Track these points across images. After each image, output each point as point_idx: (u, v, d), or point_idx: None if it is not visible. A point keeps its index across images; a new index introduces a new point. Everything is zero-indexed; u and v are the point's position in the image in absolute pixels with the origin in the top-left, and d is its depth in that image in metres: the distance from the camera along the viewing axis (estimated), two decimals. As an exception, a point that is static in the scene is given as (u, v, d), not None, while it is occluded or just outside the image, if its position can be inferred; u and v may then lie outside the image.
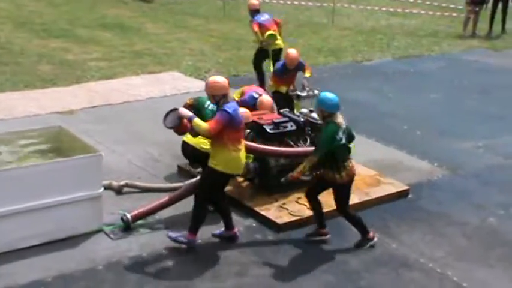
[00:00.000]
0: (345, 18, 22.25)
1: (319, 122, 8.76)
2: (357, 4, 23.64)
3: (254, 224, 8.00)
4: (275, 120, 8.63)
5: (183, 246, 7.35)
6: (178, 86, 13.66)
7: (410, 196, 8.95)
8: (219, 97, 7.08)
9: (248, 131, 8.39)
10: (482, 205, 8.83)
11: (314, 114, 8.88)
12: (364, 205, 8.51)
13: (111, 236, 7.56)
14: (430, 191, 9.17)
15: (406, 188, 9.02)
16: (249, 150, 7.56)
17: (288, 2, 23.69)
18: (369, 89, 14.08)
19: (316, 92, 10.74)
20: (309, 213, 8.05)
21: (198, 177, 7.97)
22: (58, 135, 8.13)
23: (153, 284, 6.74)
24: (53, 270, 6.84)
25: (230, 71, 14.85)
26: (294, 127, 8.67)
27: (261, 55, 13.26)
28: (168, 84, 13.76)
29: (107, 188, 8.30)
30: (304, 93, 10.74)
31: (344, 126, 7.33)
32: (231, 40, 18.27)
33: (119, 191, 8.56)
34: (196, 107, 8.34)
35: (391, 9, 23.00)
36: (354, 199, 8.49)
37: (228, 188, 8.41)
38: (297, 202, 8.33)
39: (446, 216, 8.47)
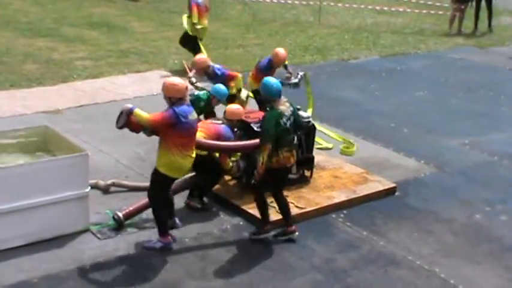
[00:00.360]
0: (331, 17, 22.28)
1: (307, 119, 8.81)
2: (343, 3, 23.67)
3: (241, 223, 8.00)
4: (262, 118, 8.59)
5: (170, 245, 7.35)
6: (165, 84, 13.61)
7: (397, 194, 8.98)
8: (174, 99, 7.01)
9: (235, 129, 8.38)
10: (469, 202, 8.88)
11: (301, 112, 8.89)
12: (351, 203, 8.54)
13: (98, 235, 7.53)
14: (417, 189, 9.21)
15: (393, 185, 9.05)
16: (198, 146, 7.52)
17: (275, 0, 23.68)
18: (355, 87, 14.11)
19: (301, 73, 10.91)
20: (296, 211, 8.07)
21: (187, 175, 7.96)
22: (44, 134, 8.10)
23: (141, 283, 6.72)
24: (39, 270, 6.81)
25: (217, 70, 14.82)
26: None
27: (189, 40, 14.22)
28: (154, 83, 13.67)
29: (94, 187, 8.27)
30: (296, 80, 10.78)
31: (289, 113, 7.34)
32: (217, 39, 18.22)
33: (105, 190, 8.53)
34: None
35: (377, 8, 23.05)
36: (341, 197, 8.54)
37: (215, 187, 8.44)
38: (285, 200, 8.33)
39: (433, 214, 8.51)
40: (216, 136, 7.94)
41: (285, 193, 8.40)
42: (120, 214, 7.66)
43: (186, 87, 7.13)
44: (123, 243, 7.41)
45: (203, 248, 7.43)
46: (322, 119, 11.29)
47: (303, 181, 8.91)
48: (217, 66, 10.16)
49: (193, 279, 6.83)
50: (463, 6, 20.09)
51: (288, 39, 18.55)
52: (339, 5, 23.25)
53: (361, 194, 8.73)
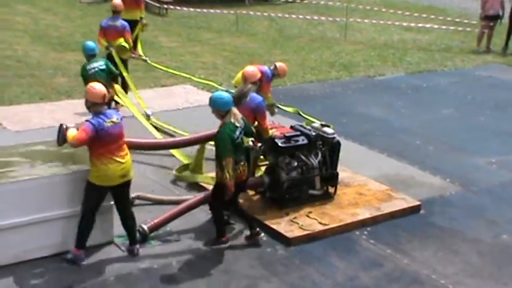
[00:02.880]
0: (357, 33, 22.28)
1: (331, 136, 8.80)
2: (370, 19, 23.68)
3: (264, 238, 7.99)
4: (287, 134, 8.62)
5: (193, 258, 7.36)
6: (190, 99, 13.71)
7: (422, 212, 8.91)
8: (90, 103, 7.14)
9: (259, 144, 8.39)
10: (495, 221, 8.78)
11: (326, 129, 8.90)
12: (375, 220, 8.49)
13: (122, 248, 7.57)
14: (442, 207, 9.13)
15: (418, 203, 8.98)
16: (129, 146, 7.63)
17: (301, 17, 23.77)
18: (381, 104, 14.07)
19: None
20: (320, 227, 8.05)
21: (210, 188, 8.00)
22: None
23: (163, 296, 6.75)
24: (64, 282, 6.86)
25: (243, 85, 14.89)
26: (305, 141, 8.66)
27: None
28: (180, 98, 13.82)
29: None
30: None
31: (241, 123, 7.47)
32: (243, 54, 18.32)
33: (130, 203, 8.55)
34: None
35: (404, 24, 23.02)
36: (365, 214, 8.50)
37: (239, 201, 8.44)
38: (308, 216, 8.32)
39: (458, 233, 8.43)
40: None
41: (309, 209, 8.43)
42: (145, 227, 7.71)
43: (104, 96, 7.18)
44: (147, 256, 7.44)
45: (226, 262, 7.43)
46: (347, 135, 11.26)
47: (327, 198, 8.88)
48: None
49: (216, 294, 6.84)
50: (492, 23, 19.95)
51: (313, 55, 18.58)
52: (366, 21, 23.25)
53: (386, 212, 8.68)
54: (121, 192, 7.35)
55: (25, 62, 16.16)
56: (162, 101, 13.41)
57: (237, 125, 7.41)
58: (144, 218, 8.10)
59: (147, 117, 11.70)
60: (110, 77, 11.07)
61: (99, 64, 11.00)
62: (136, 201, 8.60)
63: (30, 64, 15.87)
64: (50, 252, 7.25)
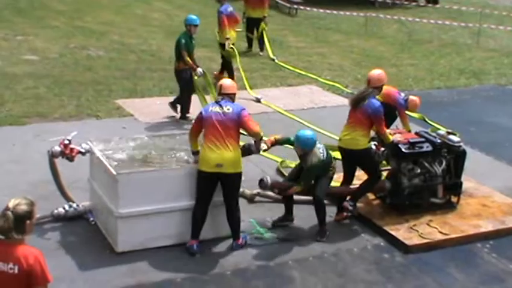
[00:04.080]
0: (490, 40, 21.55)
1: (457, 144, 8.60)
2: (505, 25, 22.81)
3: (382, 244, 7.94)
4: (411, 140, 8.51)
5: (310, 259, 7.43)
6: (316, 99, 13.78)
7: (549, 228, 8.54)
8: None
9: (383, 149, 8.34)
10: None
11: (452, 136, 8.71)
12: (499, 234, 8.23)
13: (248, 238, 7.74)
14: None
15: (545, 219, 8.63)
16: None
17: (432, 21, 23.26)
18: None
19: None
20: (440, 236, 7.90)
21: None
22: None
23: (278, 293, 6.84)
24: (183, 271, 7.10)
25: (368, 88, 14.80)
26: (429, 148, 8.51)
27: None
28: (305, 97, 13.91)
29: (240, 195, 8.49)
30: None
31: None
32: (371, 57, 18.18)
33: (251, 199, 8.74)
34: None
35: (543, 32, 22.04)
36: (488, 226, 8.27)
37: (359, 205, 8.44)
38: (428, 225, 8.18)
39: None
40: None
41: (430, 217, 8.29)
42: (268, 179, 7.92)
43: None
44: (265, 253, 7.57)
45: (342, 265, 7.44)
46: (473, 144, 10.95)
47: (449, 207, 8.70)
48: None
49: (330, 295, 6.86)
50: None
51: (443, 61, 18.16)
52: (500, 27, 22.43)
53: (510, 225, 8.38)
54: (223, 188, 7.46)
55: (158, 56, 16.80)
56: (287, 100, 13.56)
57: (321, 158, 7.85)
58: (263, 216, 8.26)
59: (258, 100, 13.00)
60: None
61: None
62: (257, 198, 8.76)
63: (162, 59, 16.47)
64: (173, 241, 7.51)
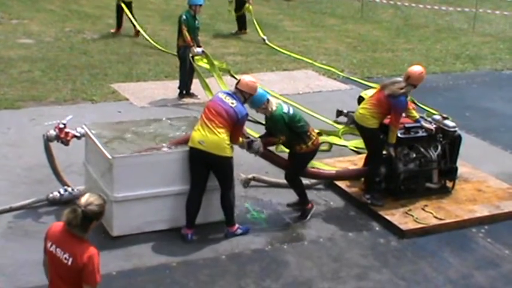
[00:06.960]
0: (486, 25, 21.53)
1: (452, 129, 8.60)
2: (501, 10, 22.77)
3: (377, 228, 7.95)
4: (406, 125, 8.50)
5: (305, 243, 7.44)
6: (311, 84, 13.77)
7: (544, 213, 8.56)
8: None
9: (381, 136, 8.32)
10: None
11: (447, 121, 8.70)
12: (494, 218, 8.25)
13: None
14: None
15: (540, 204, 8.65)
16: None
17: (428, 6, 23.21)
18: (507, 99, 13.56)
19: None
20: (435, 221, 7.92)
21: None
22: (193, 124, 8.40)
23: (273, 277, 6.85)
24: (178, 255, 7.10)
25: (364, 73, 14.80)
26: (425, 133, 8.51)
27: None
28: (301, 82, 13.89)
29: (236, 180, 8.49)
30: None
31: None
32: (367, 42, 18.15)
33: (246, 183, 8.73)
34: None
35: (539, 17, 22.02)
36: (483, 211, 8.28)
37: (354, 191, 8.45)
38: (423, 209, 8.20)
39: None
40: None
41: (425, 202, 8.31)
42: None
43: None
44: (260, 238, 7.57)
45: (337, 250, 7.45)
46: (469, 129, 10.96)
47: (444, 192, 8.71)
48: None
49: (325, 280, 6.86)
50: None
51: (438, 46, 18.15)
52: (497, 12, 22.40)
53: (506, 211, 8.40)
54: (213, 172, 7.41)
55: (154, 40, 16.72)
56: (282, 84, 13.54)
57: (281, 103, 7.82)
58: (258, 200, 8.26)
59: (263, 41, 13.53)
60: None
61: None
62: (252, 183, 8.76)
63: (158, 43, 16.39)
64: (168, 226, 7.50)
